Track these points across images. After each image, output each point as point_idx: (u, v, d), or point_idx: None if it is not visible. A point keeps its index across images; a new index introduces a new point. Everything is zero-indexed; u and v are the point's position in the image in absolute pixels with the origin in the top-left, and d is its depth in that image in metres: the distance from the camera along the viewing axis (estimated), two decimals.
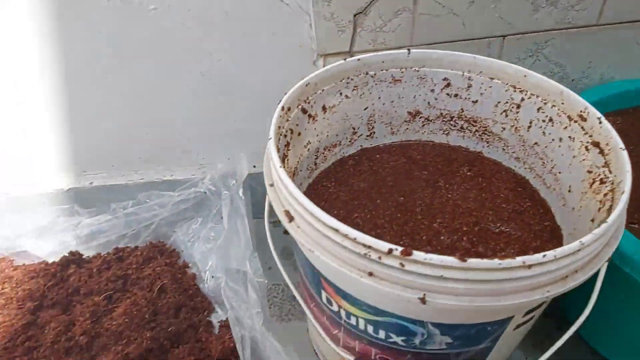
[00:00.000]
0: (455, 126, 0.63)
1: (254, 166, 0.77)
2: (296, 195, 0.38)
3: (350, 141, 0.63)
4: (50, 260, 0.75)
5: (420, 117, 0.64)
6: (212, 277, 0.73)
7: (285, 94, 0.49)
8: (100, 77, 0.65)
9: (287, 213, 0.41)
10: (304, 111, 0.54)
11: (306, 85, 0.52)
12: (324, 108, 0.57)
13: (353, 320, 0.46)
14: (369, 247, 0.34)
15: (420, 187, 0.59)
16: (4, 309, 0.68)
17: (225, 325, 0.68)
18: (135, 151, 0.75)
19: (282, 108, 0.48)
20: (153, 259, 0.76)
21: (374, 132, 0.64)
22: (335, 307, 0.47)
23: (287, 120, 0.50)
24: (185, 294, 0.71)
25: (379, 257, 0.34)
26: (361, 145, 0.65)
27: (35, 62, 0.63)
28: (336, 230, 0.36)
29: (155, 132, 0.72)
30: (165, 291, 0.70)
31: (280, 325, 0.70)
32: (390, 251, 0.33)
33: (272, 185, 0.44)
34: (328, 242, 0.37)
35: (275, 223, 0.47)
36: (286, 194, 0.40)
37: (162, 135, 0.73)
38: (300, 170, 0.56)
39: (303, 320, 0.71)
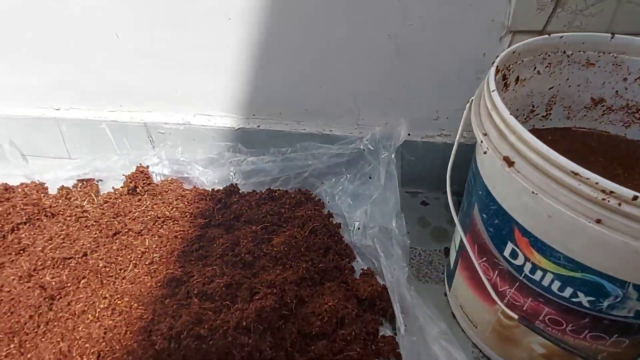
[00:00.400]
0: (639, 119, 0.63)
1: (409, 134, 0.80)
2: (527, 137, 0.41)
3: (525, 119, 0.65)
4: (214, 188, 0.84)
5: (603, 106, 0.64)
6: (358, 228, 0.78)
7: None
8: (290, 28, 0.72)
9: (507, 159, 0.44)
10: (504, 77, 0.56)
11: (512, 52, 0.55)
12: (517, 79, 0.59)
13: (537, 276, 0.48)
14: (611, 192, 0.36)
15: (598, 172, 0.59)
16: (179, 220, 0.77)
17: (366, 274, 0.73)
18: (304, 103, 0.82)
19: (497, 69, 0.51)
20: (303, 204, 0.82)
21: (550, 114, 0.65)
22: (519, 261, 0.49)
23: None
24: (332, 239, 0.76)
25: (619, 204, 0.36)
26: (533, 125, 0.66)
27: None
28: (574, 174, 0.38)
29: (327, 88, 0.79)
30: (315, 232, 0.76)
31: (418, 285, 0.73)
32: (635, 198, 0.35)
33: (485, 134, 0.48)
34: (555, 186, 0.40)
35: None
36: (513, 139, 0.43)
37: (333, 91, 0.79)
38: None
39: (439, 283, 0.73)
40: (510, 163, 0.44)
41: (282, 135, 0.85)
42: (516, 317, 0.53)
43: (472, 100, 0.55)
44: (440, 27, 0.68)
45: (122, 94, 0.87)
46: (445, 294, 0.72)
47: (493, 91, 0.48)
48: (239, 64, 0.78)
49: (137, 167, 0.84)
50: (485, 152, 0.47)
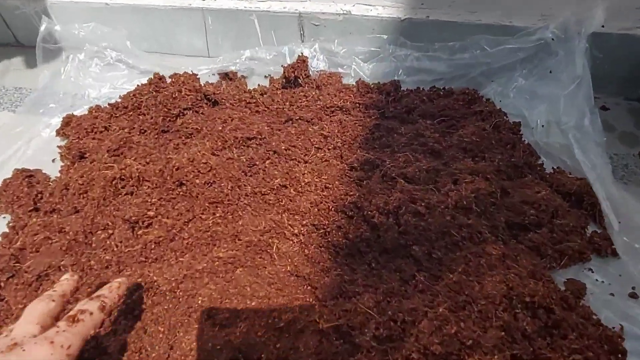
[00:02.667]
0: None
1: (602, 25, 0.72)
2: None
3: None
4: (379, 82, 0.79)
5: None
6: (542, 126, 0.72)
7: None
8: None
9: None
10: None
11: None
12: None
13: None
14: None
15: None
16: (351, 111, 0.73)
17: (559, 172, 0.67)
18: None
19: None
20: (472, 103, 0.76)
21: None
22: None
23: None
24: (516, 136, 0.71)
25: None
26: None
27: None
28: None
29: None
30: (498, 128, 0.71)
31: (618, 186, 0.67)
32: None
33: None
34: None
35: None
36: None
37: None
38: None
39: None
40: None
41: (452, 27, 0.78)
42: None
43: None
44: None
45: None
46: None
47: None
48: None
49: (299, 56, 0.79)
50: None
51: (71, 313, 0.38)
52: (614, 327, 0.50)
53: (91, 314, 0.38)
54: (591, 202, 0.62)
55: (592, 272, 0.57)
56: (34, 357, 0.33)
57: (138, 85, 0.82)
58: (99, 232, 0.58)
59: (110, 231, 0.58)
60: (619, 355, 0.48)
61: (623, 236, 0.59)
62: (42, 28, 0.90)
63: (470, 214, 0.56)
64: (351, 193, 0.59)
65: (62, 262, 0.56)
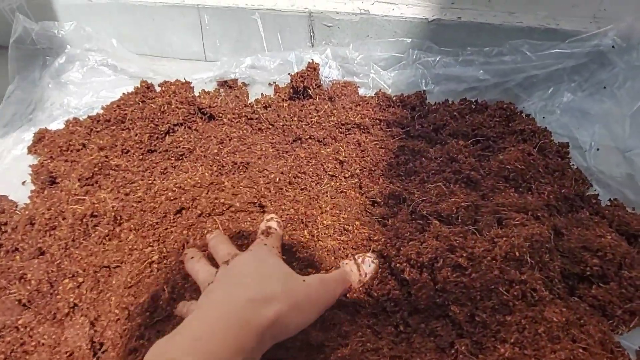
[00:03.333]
0: None
1: None
2: None
3: None
4: (402, 94, 0.68)
5: None
6: (597, 149, 0.61)
7: None
8: None
9: None
10: None
11: None
12: None
13: None
14: None
15: None
16: (370, 128, 0.62)
17: (617, 205, 0.56)
18: None
19: None
20: (510, 119, 0.66)
21: None
22: None
23: None
24: (564, 161, 0.60)
25: None
26: None
27: None
28: None
29: None
30: (544, 151, 0.60)
31: None
32: None
33: None
34: None
35: None
36: None
37: None
38: None
39: None
40: None
41: (488, 30, 0.67)
42: None
43: None
44: None
45: None
46: None
47: None
48: None
49: (309, 63, 0.68)
50: None
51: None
52: None
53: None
54: None
55: None
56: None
57: (123, 95, 0.71)
58: (66, 280, 0.48)
59: (80, 280, 0.48)
60: None
61: None
62: (17, 27, 0.79)
63: (522, 266, 0.45)
64: (375, 238, 0.48)
65: (19, 321, 0.45)
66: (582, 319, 0.44)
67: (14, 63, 0.78)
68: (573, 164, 0.62)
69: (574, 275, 0.49)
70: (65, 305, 0.46)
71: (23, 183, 0.66)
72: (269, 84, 0.76)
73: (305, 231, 0.49)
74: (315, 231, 0.48)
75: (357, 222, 0.49)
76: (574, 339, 0.41)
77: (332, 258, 0.47)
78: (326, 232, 0.48)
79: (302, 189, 0.54)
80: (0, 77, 0.86)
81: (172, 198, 0.50)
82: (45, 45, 0.81)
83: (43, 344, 0.44)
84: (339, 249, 0.47)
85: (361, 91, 0.71)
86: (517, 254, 0.45)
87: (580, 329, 0.42)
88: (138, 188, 0.53)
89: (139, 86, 0.71)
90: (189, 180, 0.52)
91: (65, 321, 0.45)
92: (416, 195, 0.52)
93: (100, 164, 0.56)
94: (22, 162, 0.68)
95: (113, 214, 0.49)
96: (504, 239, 0.46)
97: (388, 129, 0.62)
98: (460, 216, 0.50)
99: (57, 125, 0.72)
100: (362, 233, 0.48)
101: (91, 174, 0.55)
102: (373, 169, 0.57)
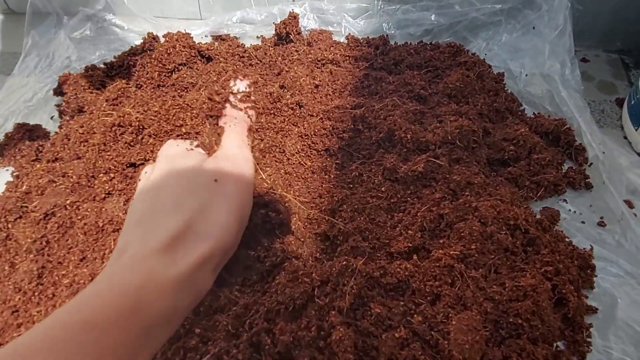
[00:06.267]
0: None
1: None
2: None
3: None
4: (368, 36, 0.82)
5: None
6: (526, 75, 0.75)
7: None
8: None
9: None
10: None
11: None
12: None
13: None
14: None
15: None
16: (341, 63, 0.76)
17: (539, 116, 0.71)
18: None
19: None
20: (457, 55, 0.79)
21: None
22: None
23: None
24: (499, 85, 0.74)
25: None
26: None
27: None
28: None
29: None
30: (482, 77, 0.74)
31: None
32: None
33: None
34: None
35: None
36: None
37: None
38: None
39: (615, 129, 0.71)
40: None
41: None
42: None
43: None
44: None
45: None
46: (625, 137, 0.70)
47: None
48: None
49: (290, 12, 0.81)
50: None
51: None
52: (584, 248, 0.54)
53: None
54: (567, 141, 0.65)
55: (566, 202, 0.61)
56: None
57: (132, 47, 0.84)
58: (101, 175, 0.61)
59: (112, 175, 0.61)
60: (589, 271, 0.52)
61: (594, 171, 0.63)
62: None
63: (455, 147, 0.59)
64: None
65: (67, 202, 0.59)
66: (498, 186, 0.58)
67: (32, 25, 0.89)
68: (508, 89, 0.76)
69: (497, 161, 0.63)
70: (102, 192, 0.59)
71: (51, 118, 0.79)
72: (257, 36, 0.89)
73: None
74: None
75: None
76: (491, 194, 0.55)
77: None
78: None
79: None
80: (18, 39, 0.98)
81: (183, 110, 0.63)
82: (60, 7, 0.93)
83: (88, 216, 0.57)
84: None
85: (335, 38, 0.84)
86: (449, 137, 0.59)
87: (495, 188, 0.56)
88: (154, 105, 0.66)
89: (146, 37, 0.83)
90: (195, 100, 0.65)
91: (104, 202, 0.59)
92: (375, 106, 0.66)
93: (122, 90, 0.69)
94: (49, 102, 0.81)
95: (137, 123, 0.62)
96: (440, 129, 0.60)
97: (355, 63, 0.76)
98: (409, 118, 0.64)
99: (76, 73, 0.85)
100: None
101: (115, 96, 0.68)
102: (342, 90, 0.70)
